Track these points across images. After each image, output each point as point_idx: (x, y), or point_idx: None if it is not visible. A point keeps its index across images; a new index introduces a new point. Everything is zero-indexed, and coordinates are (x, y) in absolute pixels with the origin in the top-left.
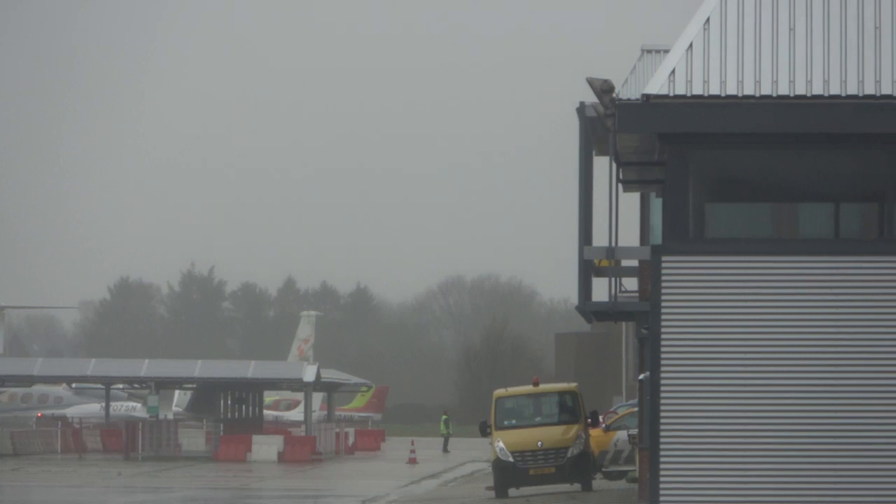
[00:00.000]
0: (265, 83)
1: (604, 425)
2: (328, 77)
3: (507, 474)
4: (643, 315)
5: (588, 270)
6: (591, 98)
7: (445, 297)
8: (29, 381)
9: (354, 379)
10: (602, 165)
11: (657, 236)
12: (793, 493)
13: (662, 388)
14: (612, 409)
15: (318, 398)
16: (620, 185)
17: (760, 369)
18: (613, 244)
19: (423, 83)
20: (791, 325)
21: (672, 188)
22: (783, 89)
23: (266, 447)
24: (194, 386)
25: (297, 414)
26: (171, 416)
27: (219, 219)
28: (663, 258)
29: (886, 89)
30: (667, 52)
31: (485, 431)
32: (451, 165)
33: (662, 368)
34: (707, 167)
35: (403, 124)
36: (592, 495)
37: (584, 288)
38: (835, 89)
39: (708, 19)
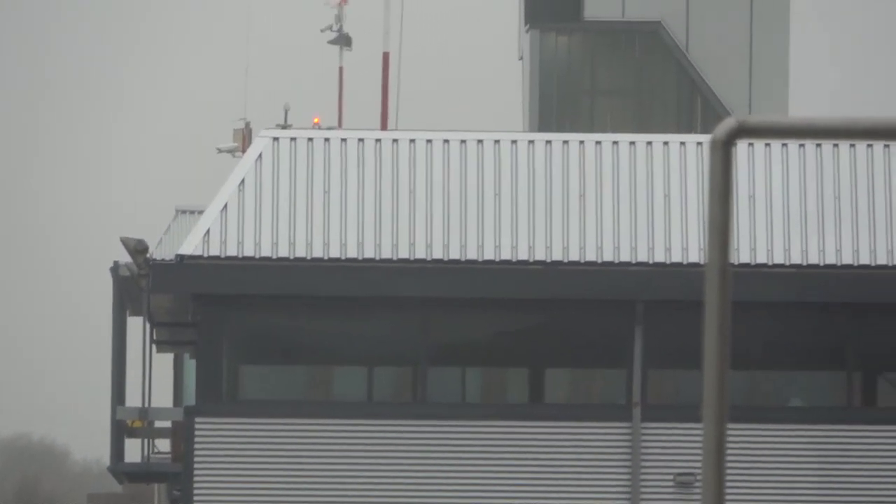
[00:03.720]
0: None
1: None
2: None
3: None
4: (177, 476)
5: (121, 430)
6: (125, 258)
7: None
8: None
9: None
10: (136, 325)
11: (191, 397)
12: None
13: None
14: None
15: None
16: (154, 346)
17: None
18: (146, 405)
19: None
20: (327, 489)
21: (205, 349)
22: (318, 252)
23: None
24: None
25: None
26: None
27: None
28: (196, 419)
29: (420, 254)
30: (202, 212)
31: None
32: None
33: None
34: (242, 328)
35: None
36: None
37: (117, 448)
38: (369, 253)
39: (243, 180)
